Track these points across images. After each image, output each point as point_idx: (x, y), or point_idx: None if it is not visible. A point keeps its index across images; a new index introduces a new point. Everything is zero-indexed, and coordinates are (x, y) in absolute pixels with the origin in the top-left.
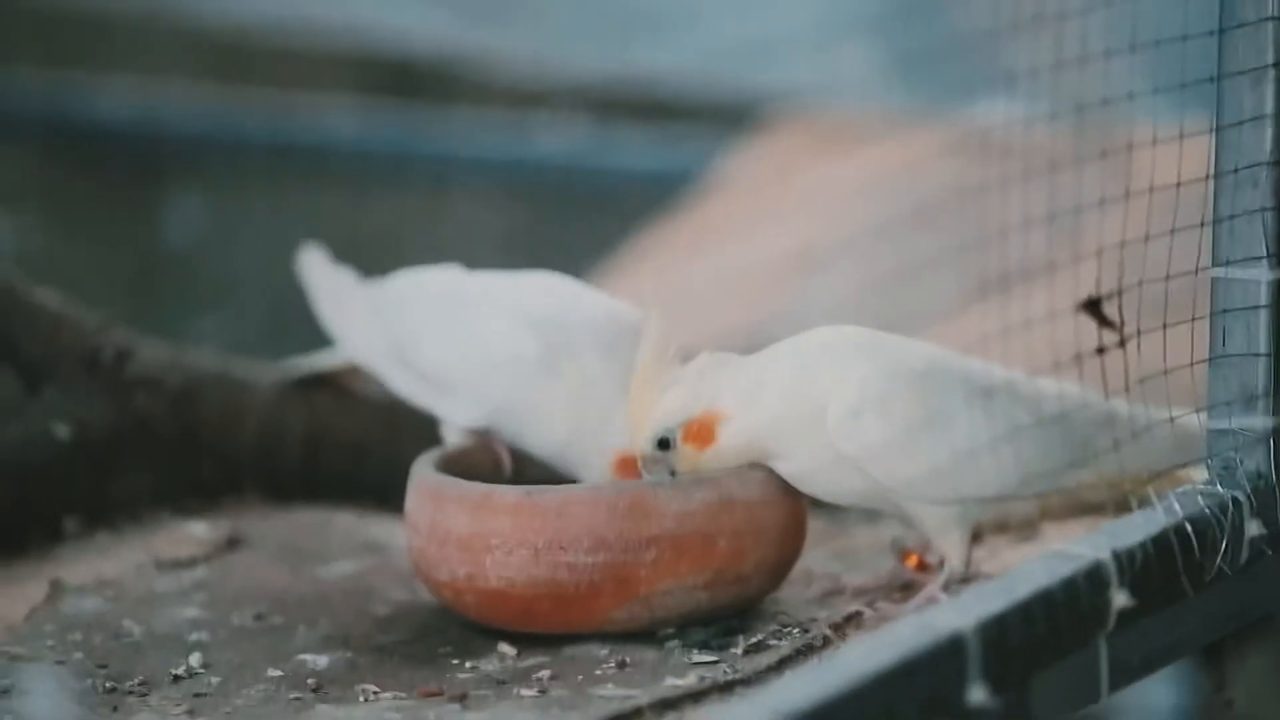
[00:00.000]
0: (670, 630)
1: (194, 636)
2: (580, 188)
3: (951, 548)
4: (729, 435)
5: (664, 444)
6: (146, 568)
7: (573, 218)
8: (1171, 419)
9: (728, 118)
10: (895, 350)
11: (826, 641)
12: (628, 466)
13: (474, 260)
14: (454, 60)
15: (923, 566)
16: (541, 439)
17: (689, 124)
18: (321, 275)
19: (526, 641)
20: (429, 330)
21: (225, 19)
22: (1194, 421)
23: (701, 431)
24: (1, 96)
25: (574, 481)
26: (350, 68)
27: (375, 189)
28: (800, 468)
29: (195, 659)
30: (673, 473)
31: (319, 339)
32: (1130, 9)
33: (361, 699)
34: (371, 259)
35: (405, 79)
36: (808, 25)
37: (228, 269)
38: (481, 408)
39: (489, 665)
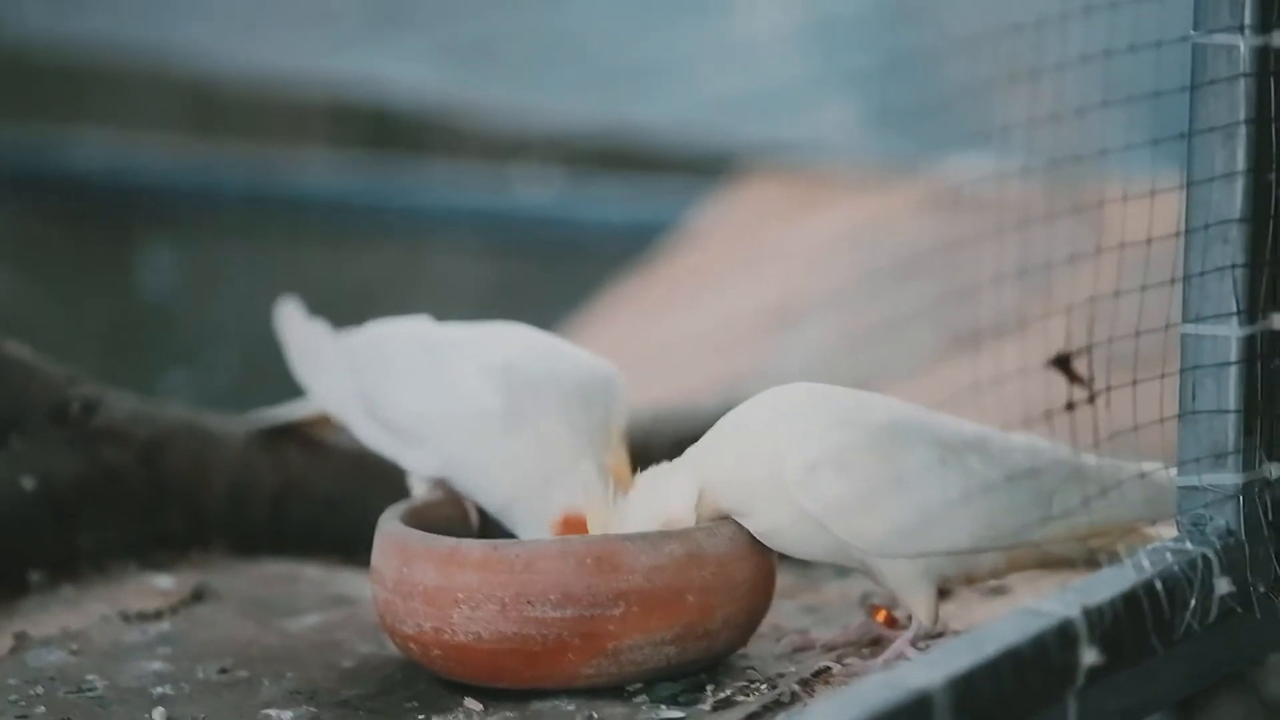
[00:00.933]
0: (638, 685)
1: (159, 690)
2: (556, 240)
3: (918, 603)
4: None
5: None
6: (112, 620)
7: (549, 269)
8: (1142, 474)
9: (705, 170)
10: (854, 405)
11: (794, 697)
12: (571, 526)
13: (450, 311)
14: (431, 112)
15: (892, 622)
16: (488, 493)
17: (666, 176)
18: (296, 327)
19: (493, 697)
20: (394, 380)
21: (201, 71)
22: (1164, 477)
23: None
24: None
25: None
26: (327, 119)
27: (352, 241)
28: (765, 525)
29: (159, 714)
30: None
31: (292, 392)
32: (1103, 65)
33: None
34: (347, 311)
35: (382, 131)
36: (787, 80)
37: (202, 321)
38: (438, 458)
39: None
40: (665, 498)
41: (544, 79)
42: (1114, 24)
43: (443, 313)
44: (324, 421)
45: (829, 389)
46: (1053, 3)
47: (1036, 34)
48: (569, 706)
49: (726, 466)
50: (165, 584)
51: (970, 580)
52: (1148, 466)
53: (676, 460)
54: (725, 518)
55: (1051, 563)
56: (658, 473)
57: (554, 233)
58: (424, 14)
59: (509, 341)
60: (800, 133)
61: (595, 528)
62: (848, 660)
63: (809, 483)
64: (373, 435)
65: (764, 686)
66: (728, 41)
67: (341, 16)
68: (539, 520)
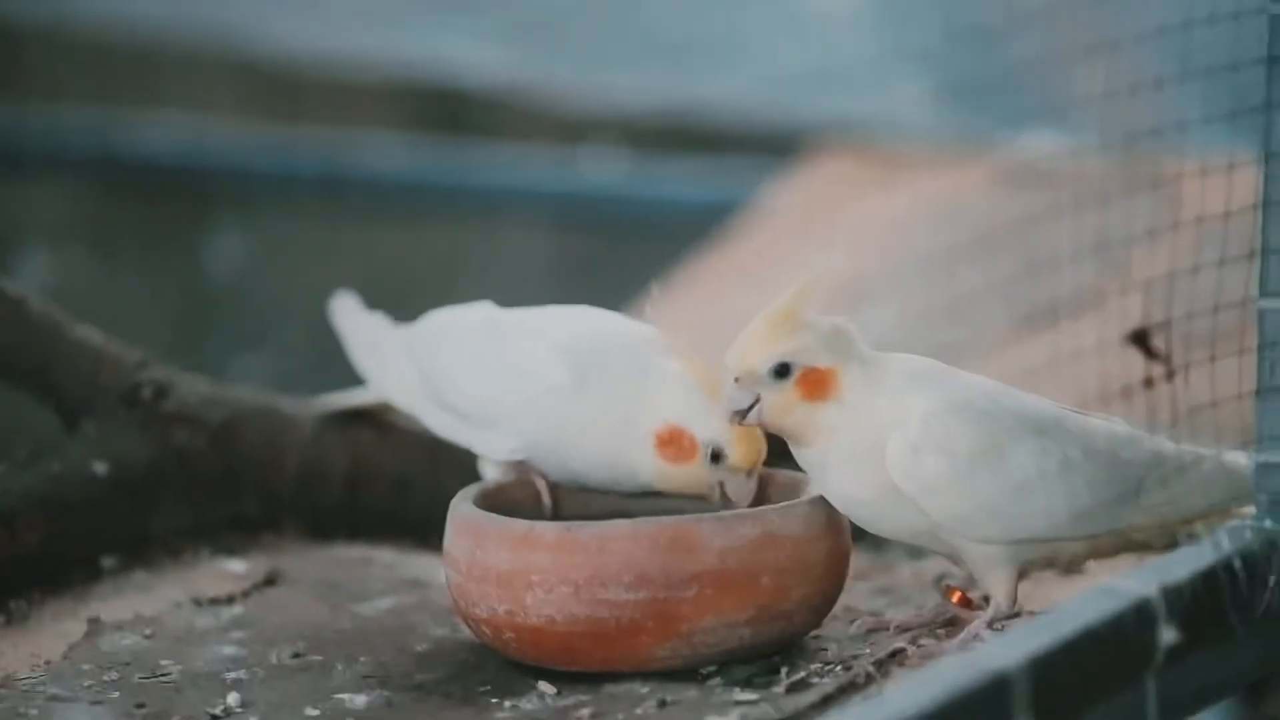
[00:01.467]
0: (712, 668)
1: (232, 675)
2: (626, 219)
3: (998, 586)
4: (837, 406)
5: (782, 371)
6: (185, 605)
7: (618, 249)
8: (1218, 456)
9: (774, 148)
10: (958, 386)
11: (869, 679)
12: (671, 440)
13: (520, 291)
14: (499, 92)
15: (967, 603)
16: (584, 461)
17: (735, 154)
18: (353, 321)
19: (567, 680)
20: (461, 367)
21: (273, 52)
22: (1240, 459)
23: (820, 383)
24: (48, 131)
25: (618, 513)
26: (397, 100)
27: (423, 222)
28: (854, 496)
29: (233, 698)
30: (750, 409)
31: (360, 376)
32: (1180, 39)
33: None
34: (416, 293)
35: (453, 112)
36: (856, 55)
37: (275, 304)
38: (518, 440)
39: (528, 704)
40: (844, 357)
41: (611, 56)
42: None
43: (512, 293)
44: (389, 408)
45: (934, 365)
46: None
47: (1110, 6)
48: (643, 689)
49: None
50: (238, 568)
51: (1051, 565)
52: (1228, 452)
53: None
54: (799, 498)
55: (1134, 548)
56: (849, 328)
57: (623, 212)
58: None
59: (571, 321)
60: (870, 109)
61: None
62: (923, 642)
63: (912, 464)
64: (442, 422)
65: (839, 668)
66: (796, 16)
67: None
68: (642, 456)
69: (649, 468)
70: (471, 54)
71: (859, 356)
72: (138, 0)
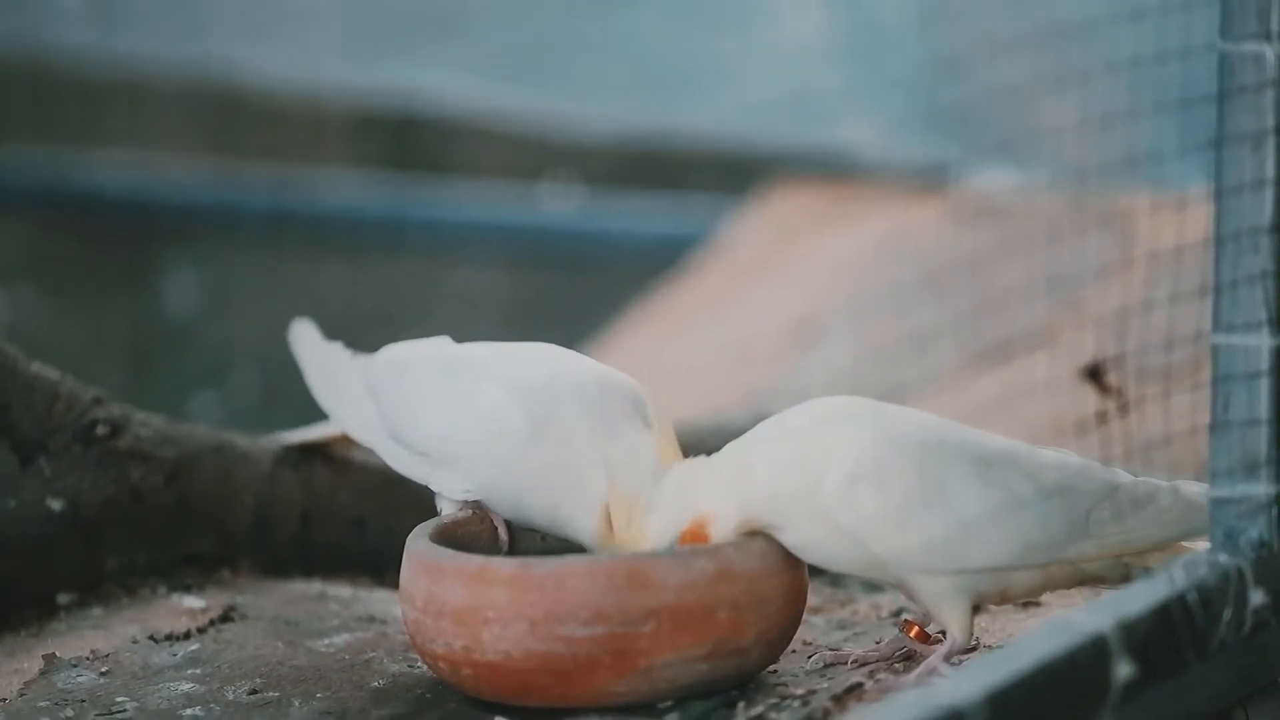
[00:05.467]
0: (669, 703)
1: (188, 712)
2: (582, 254)
3: (953, 620)
4: (720, 530)
5: (669, 549)
6: (141, 642)
7: (575, 284)
8: (1172, 489)
9: (734, 182)
10: (893, 419)
11: (827, 714)
12: (696, 536)
13: (477, 327)
14: (463, 125)
15: (925, 638)
16: (532, 507)
17: (694, 189)
18: (313, 350)
19: (523, 715)
20: (418, 404)
21: (230, 85)
22: (1198, 494)
23: (695, 540)
24: None
25: (573, 548)
26: (350, 133)
27: (373, 257)
28: (800, 538)
29: None
30: None
31: (315, 411)
32: (1130, 75)
33: None
34: (373, 328)
35: (412, 145)
36: (820, 87)
37: (224, 340)
38: (472, 480)
39: None
40: (696, 497)
41: (577, 86)
42: (1140, 34)
43: (470, 328)
44: (348, 441)
45: (867, 402)
46: (1079, 12)
47: (1063, 44)
48: None
49: (762, 478)
50: (194, 604)
51: (1005, 598)
52: (1182, 483)
53: (716, 458)
54: (756, 532)
55: (1088, 581)
56: (696, 466)
57: (580, 247)
58: (459, 23)
59: (530, 360)
60: (831, 141)
61: (621, 519)
62: (881, 676)
63: (848, 497)
64: (399, 458)
65: (796, 703)
66: (764, 48)
67: (382, 25)
68: (588, 516)
69: (591, 534)
70: (436, 84)
71: (718, 460)
72: (84, 33)
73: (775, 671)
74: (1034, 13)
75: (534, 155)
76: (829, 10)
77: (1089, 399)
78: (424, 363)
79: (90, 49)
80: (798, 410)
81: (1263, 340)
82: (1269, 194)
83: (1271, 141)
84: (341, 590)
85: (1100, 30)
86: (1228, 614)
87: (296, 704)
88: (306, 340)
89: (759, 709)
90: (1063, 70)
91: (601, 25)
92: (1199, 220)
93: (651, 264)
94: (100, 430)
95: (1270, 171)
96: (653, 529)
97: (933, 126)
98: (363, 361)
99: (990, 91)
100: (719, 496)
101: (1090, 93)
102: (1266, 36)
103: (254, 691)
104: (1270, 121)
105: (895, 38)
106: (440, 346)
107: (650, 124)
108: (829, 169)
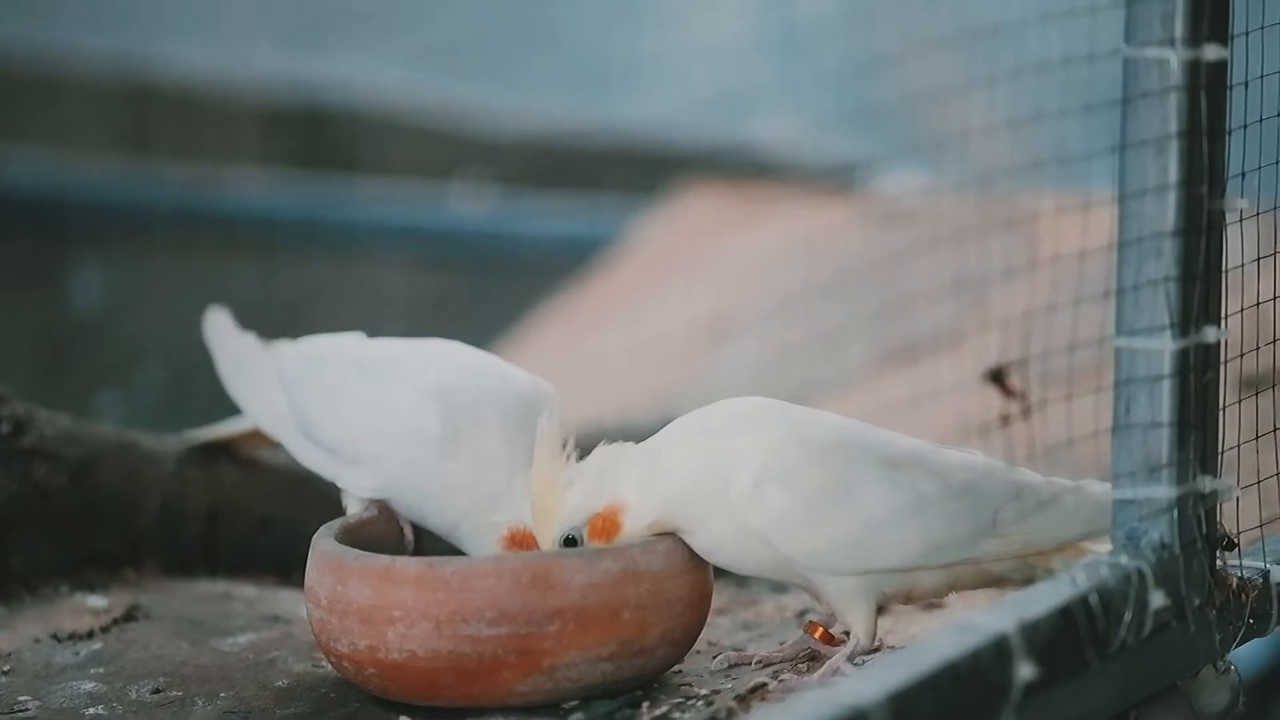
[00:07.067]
0: (574, 703)
1: (91, 711)
2: (492, 254)
3: (857, 621)
4: (633, 522)
5: (570, 543)
6: (44, 641)
7: (484, 285)
8: (1076, 489)
9: (643, 182)
10: (799, 420)
11: (730, 713)
12: (518, 543)
13: (385, 327)
14: (379, 123)
15: (829, 638)
16: (435, 514)
17: (604, 189)
18: (225, 339)
19: (428, 715)
20: (328, 399)
21: (133, 80)
22: (1102, 495)
23: (606, 525)
24: None
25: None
26: (263, 128)
27: (284, 256)
28: (707, 540)
29: None
30: None
31: (223, 410)
32: (1035, 79)
33: None
34: (283, 329)
35: (322, 144)
36: (737, 85)
37: (133, 339)
38: (379, 480)
39: None
40: (617, 483)
41: (508, 82)
42: (1047, 38)
43: (380, 327)
44: (257, 437)
45: (776, 403)
46: (987, 17)
47: (976, 47)
48: None
49: (668, 482)
50: (98, 604)
51: (910, 599)
52: (1087, 482)
53: (639, 449)
54: (663, 534)
55: (992, 582)
56: (620, 452)
57: (490, 247)
58: (388, 17)
59: (444, 360)
60: (748, 139)
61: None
62: (784, 676)
63: (756, 497)
64: (308, 453)
65: (700, 703)
66: (699, 45)
67: (303, 18)
68: (486, 538)
69: (487, 550)
70: (357, 78)
71: (641, 451)
72: (3, 26)
73: (680, 672)
74: (962, 14)
75: (449, 152)
76: (764, 8)
77: (995, 401)
78: (337, 357)
79: (9, 41)
80: (707, 411)
81: (1164, 344)
82: (1172, 198)
83: (1174, 146)
84: (246, 590)
85: (1009, 33)
86: (1128, 616)
87: (200, 703)
88: (220, 329)
89: (663, 709)
90: (972, 73)
91: (536, 20)
92: (1103, 224)
93: (562, 264)
94: (3, 428)
95: (1173, 176)
96: (569, 502)
97: (850, 126)
98: (275, 353)
99: (906, 92)
100: (636, 489)
101: (997, 95)
102: (1170, 42)
103: (157, 691)
104: (1173, 126)
105: (821, 36)
106: (354, 341)
107: (570, 121)
108: (743, 168)
